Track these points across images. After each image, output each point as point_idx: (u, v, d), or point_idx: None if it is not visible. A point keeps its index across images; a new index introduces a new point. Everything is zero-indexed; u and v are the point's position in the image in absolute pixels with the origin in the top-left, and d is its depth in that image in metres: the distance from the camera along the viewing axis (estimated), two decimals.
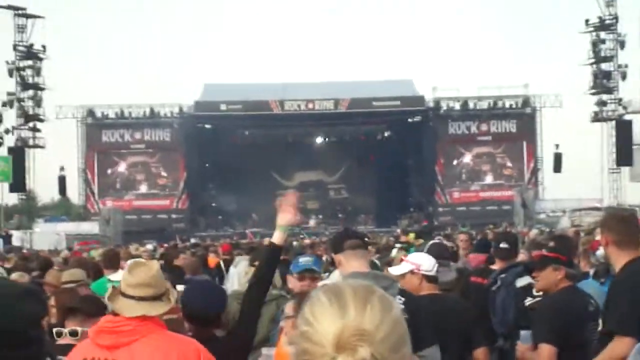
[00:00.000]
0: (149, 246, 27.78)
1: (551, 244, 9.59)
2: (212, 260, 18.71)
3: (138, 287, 4.61)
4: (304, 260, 7.08)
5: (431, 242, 11.27)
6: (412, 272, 6.88)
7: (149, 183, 58.33)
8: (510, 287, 8.13)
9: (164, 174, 58.15)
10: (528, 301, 7.76)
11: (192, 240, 40.11)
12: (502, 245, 9.27)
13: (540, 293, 7.20)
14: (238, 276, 13.88)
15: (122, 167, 57.76)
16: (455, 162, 58.48)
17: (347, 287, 2.00)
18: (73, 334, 5.53)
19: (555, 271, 6.83)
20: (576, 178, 60.71)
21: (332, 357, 1.87)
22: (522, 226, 44.43)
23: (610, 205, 53.68)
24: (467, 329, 7.21)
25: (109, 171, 57.85)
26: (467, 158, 58.36)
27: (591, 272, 9.96)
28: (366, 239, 5.75)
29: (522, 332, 7.10)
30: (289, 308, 5.34)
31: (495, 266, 8.92)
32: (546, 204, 56.47)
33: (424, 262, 7.05)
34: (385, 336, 1.90)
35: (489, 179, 58.56)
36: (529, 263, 7.69)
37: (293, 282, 6.87)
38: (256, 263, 8.66)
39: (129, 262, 4.96)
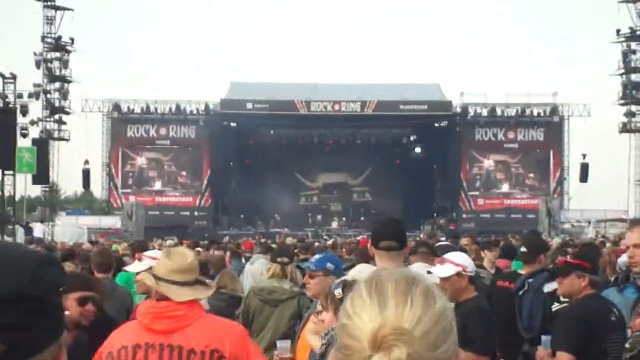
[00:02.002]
0: (170, 242, 27.77)
1: (575, 250, 9.50)
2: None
3: (181, 273, 4.71)
4: (312, 260, 7.16)
5: (439, 243, 11.19)
6: (458, 274, 6.70)
7: (172, 179, 58.40)
8: (537, 291, 8.05)
9: (188, 170, 58.21)
10: (555, 306, 7.66)
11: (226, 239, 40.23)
12: (522, 249, 9.23)
13: (567, 299, 7.09)
14: (253, 273, 13.92)
15: (145, 163, 57.82)
16: (480, 169, 58.24)
17: (389, 278, 1.92)
18: None
19: (578, 278, 6.73)
20: (602, 189, 60.39)
21: (368, 354, 1.79)
22: (547, 235, 44.23)
23: (635, 217, 53.33)
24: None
25: (133, 166, 57.97)
26: (493, 165, 58.09)
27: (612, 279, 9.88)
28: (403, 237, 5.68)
29: (544, 337, 7.00)
30: (320, 304, 5.29)
31: (523, 271, 8.83)
32: (571, 213, 56.18)
33: (469, 262, 6.87)
34: (424, 333, 1.81)
35: (514, 187, 58.32)
36: (554, 269, 7.59)
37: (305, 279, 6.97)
38: (278, 259, 8.68)
39: (165, 248, 4.99)
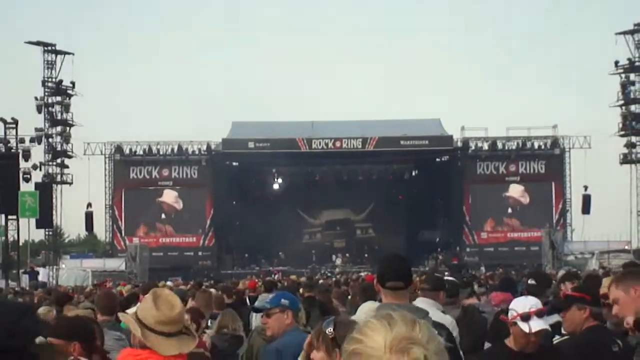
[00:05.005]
0: (169, 283, 27.68)
1: (578, 283, 9.49)
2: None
3: (169, 324, 4.56)
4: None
5: (445, 278, 11.19)
6: None
7: (176, 220, 58.35)
8: None
9: (191, 211, 58.15)
10: (556, 339, 7.66)
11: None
12: (530, 281, 9.20)
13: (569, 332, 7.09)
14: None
15: (149, 204, 57.76)
16: (482, 202, 58.11)
17: (396, 313, 2.01)
18: None
19: (579, 310, 6.73)
20: (604, 220, 60.18)
21: (387, 358, 1.88)
22: (551, 267, 44.16)
23: (638, 248, 53.24)
24: None
25: (136, 207, 57.96)
26: (495, 198, 57.97)
27: None
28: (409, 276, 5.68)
29: None
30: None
31: None
32: (574, 245, 56.05)
33: None
34: (436, 350, 1.90)
35: (517, 220, 58.19)
36: (555, 302, 7.60)
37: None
38: None
39: (151, 292, 4.84)
